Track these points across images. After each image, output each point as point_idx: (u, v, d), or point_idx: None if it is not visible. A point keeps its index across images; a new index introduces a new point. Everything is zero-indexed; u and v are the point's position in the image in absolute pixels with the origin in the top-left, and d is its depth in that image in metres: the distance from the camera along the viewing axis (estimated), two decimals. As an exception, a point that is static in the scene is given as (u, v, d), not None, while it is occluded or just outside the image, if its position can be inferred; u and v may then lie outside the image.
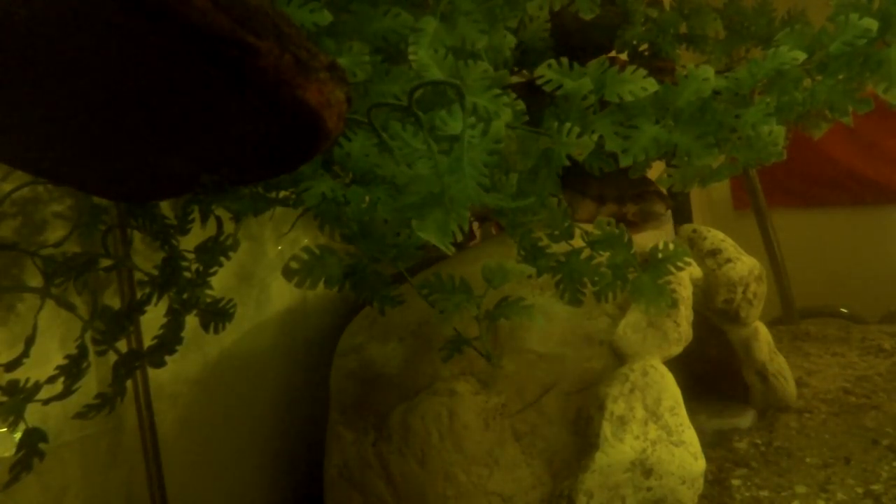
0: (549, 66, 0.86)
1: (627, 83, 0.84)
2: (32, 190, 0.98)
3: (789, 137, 0.99)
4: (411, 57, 0.74)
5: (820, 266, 2.42)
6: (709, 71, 0.86)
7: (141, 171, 0.73)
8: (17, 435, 0.85)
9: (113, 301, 1.07)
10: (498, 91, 0.75)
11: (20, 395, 0.85)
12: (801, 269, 2.28)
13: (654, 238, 1.30)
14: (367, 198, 0.71)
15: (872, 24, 0.88)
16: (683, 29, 1.29)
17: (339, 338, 1.26)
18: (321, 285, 0.82)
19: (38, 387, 0.86)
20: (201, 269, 1.00)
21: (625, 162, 0.86)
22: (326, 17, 0.69)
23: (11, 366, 0.87)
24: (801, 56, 0.87)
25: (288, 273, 0.81)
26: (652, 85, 0.83)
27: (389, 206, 0.67)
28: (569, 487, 1.01)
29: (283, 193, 0.97)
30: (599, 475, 0.99)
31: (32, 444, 0.84)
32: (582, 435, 1.05)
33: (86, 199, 0.98)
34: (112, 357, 0.97)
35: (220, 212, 1.02)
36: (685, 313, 1.14)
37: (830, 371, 1.64)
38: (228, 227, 1.03)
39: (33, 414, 0.86)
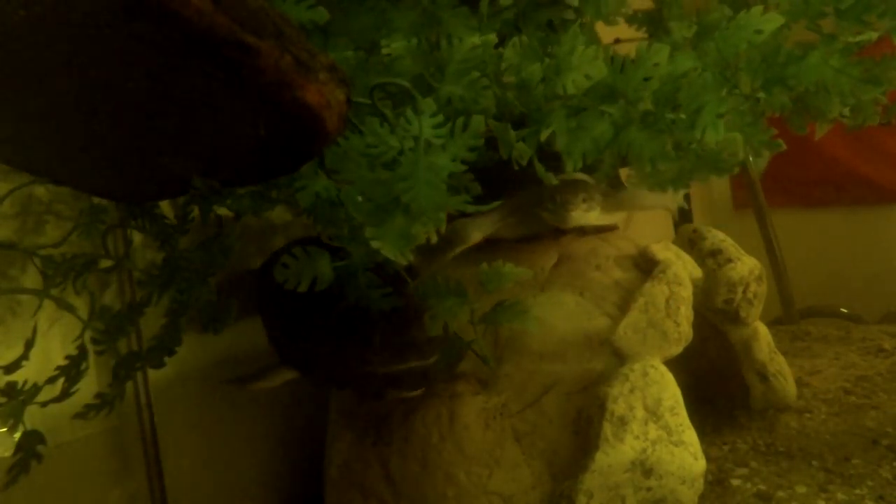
0: (514, 45, 0.72)
1: (574, 69, 0.69)
2: (32, 190, 0.98)
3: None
4: (384, 50, 0.70)
5: (820, 266, 2.41)
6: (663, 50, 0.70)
7: (141, 171, 0.73)
8: (17, 436, 0.85)
9: (113, 301, 1.07)
10: (477, 75, 0.67)
11: (19, 397, 0.85)
12: (801, 269, 2.27)
13: (653, 237, 1.30)
14: (359, 198, 0.68)
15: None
16: None
17: (339, 338, 1.26)
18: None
19: (37, 389, 0.86)
20: (201, 269, 1.00)
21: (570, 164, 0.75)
22: (323, 14, 0.67)
23: (11, 367, 0.87)
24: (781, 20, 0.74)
25: (279, 272, 0.81)
26: (600, 71, 0.69)
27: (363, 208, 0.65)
28: (569, 487, 1.01)
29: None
30: (599, 475, 0.99)
31: (30, 446, 0.84)
32: (582, 435, 1.05)
33: (86, 199, 0.98)
34: (113, 357, 0.97)
35: (221, 211, 1.02)
36: (685, 313, 1.14)
37: (830, 371, 1.64)
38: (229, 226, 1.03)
39: (34, 414, 0.86)
